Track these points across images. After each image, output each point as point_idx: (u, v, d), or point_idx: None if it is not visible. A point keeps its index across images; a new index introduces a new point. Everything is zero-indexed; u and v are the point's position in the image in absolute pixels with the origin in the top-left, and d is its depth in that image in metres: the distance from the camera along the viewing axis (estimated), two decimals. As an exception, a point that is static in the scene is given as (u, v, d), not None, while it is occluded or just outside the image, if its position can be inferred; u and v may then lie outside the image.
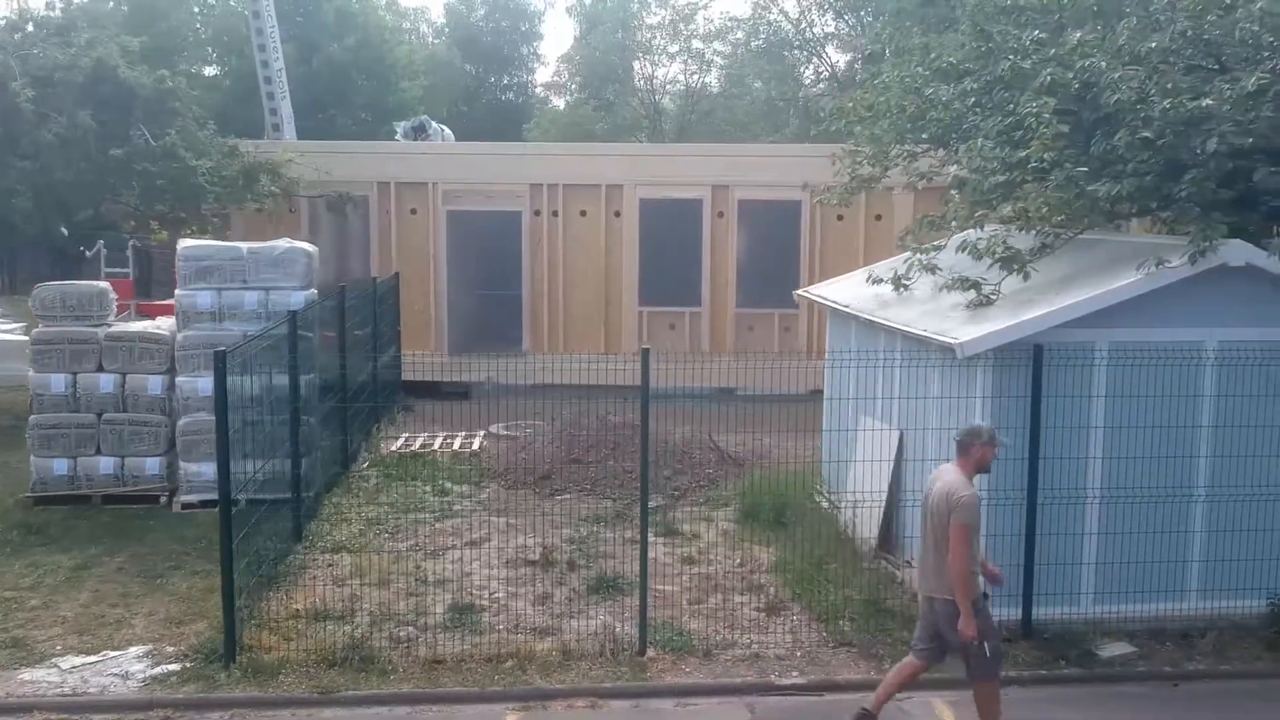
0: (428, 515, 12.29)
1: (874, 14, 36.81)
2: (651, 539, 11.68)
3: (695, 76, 47.67)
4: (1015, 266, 9.68)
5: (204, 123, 18.41)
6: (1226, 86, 9.20)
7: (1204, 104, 9.04)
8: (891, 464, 10.98)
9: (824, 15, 43.14)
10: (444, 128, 25.58)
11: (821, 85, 42.40)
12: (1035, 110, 9.63)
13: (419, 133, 24.03)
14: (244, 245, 12.74)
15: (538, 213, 20.10)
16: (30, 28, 18.02)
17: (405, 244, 20.17)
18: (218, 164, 17.41)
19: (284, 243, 12.67)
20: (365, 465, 14.48)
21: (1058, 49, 10.47)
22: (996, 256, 9.75)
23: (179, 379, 12.32)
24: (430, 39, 56.50)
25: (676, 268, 20.09)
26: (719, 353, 19.52)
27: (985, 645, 7.38)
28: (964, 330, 9.40)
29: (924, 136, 11.86)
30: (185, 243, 12.66)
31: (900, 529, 11.07)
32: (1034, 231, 10.09)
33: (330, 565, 10.72)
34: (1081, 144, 10.08)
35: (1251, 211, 10.43)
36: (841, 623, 9.61)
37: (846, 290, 12.65)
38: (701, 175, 19.94)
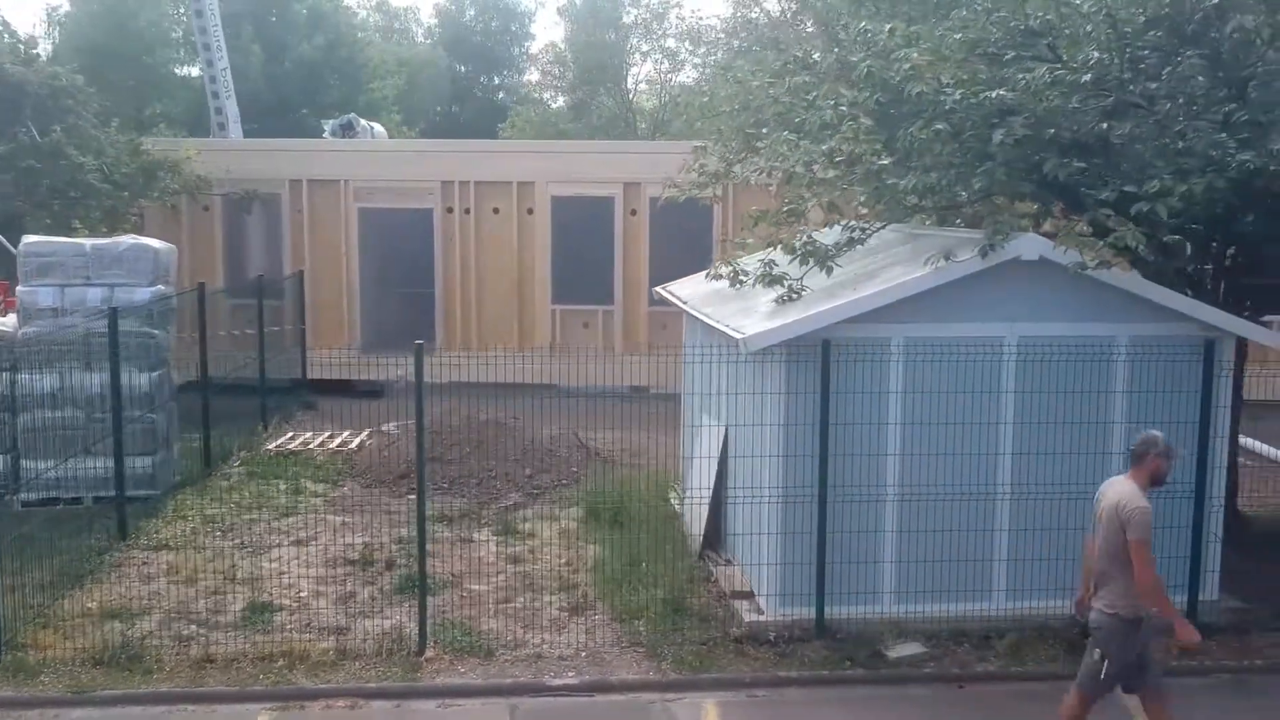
0: (268, 514, 12.20)
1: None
2: (485, 537, 11.69)
3: (670, 76, 47.49)
4: (814, 260, 9.53)
5: (106, 120, 18.37)
6: (1022, 77, 9.03)
7: (994, 95, 8.88)
8: (717, 460, 10.86)
9: (804, 16, 42.82)
10: (374, 125, 25.52)
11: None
12: (834, 104, 9.47)
13: (347, 130, 23.98)
14: (88, 242, 12.71)
15: (450, 210, 19.99)
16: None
17: (318, 241, 20.07)
18: (114, 162, 17.34)
19: (128, 239, 12.62)
20: (237, 464, 14.40)
21: (886, 40, 10.32)
22: (797, 252, 9.61)
23: (20, 376, 12.27)
24: (421, 39, 56.52)
25: (589, 265, 19.95)
26: (632, 351, 19.35)
27: (1107, 663, 7.03)
28: (755, 325, 9.26)
29: (764, 131, 11.68)
30: (28, 239, 12.62)
31: (726, 526, 10.95)
32: (840, 226, 9.95)
33: (145, 563, 10.65)
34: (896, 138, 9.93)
35: (1078, 202, 10.24)
36: (638, 623, 9.48)
37: (696, 287, 12.49)
38: (613, 173, 19.79)
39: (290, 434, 16.10)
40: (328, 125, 25.00)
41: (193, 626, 9.25)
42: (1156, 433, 7.35)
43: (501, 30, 54.70)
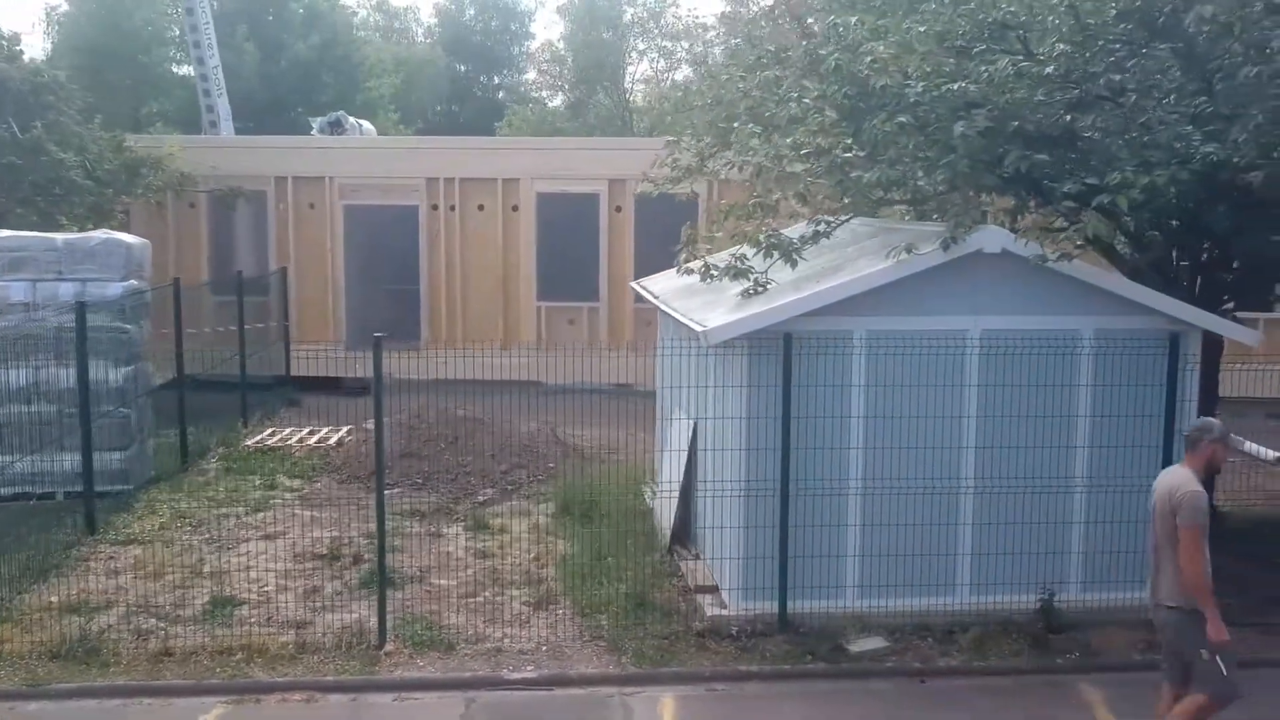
0: (240, 509, 12.18)
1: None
2: (456, 532, 11.65)
3: (666, 75, 47.41)
4: (777, 253, 9.49)
5: (89, 117, 18.38)
6: (985, 69, 8.99)
7: (957, 87, 8.83)
8: (686, 454, 10.82)
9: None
10: (363, 123, 25.53)
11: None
12: (797, 96, 9.43)
13: (335, 128, 23.99)
14: (60, 236, 12.70)
15: (435, 207, 19.98)
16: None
17: (303, 238, 20.09)
18: (97, 158, 17.34)
19: (101, 234, 12.61)
20: (214, 459, 14.38)
21: (854, 33, 10.27)
22: (761, 245, 9.57)
23: (-9, 371, 12.26)
24: (421, 38, 56.53)
25: (574, 262, 19.92)
26: (618, 348, 19.29)
27: (1220, 660, 6.74)
28: (718, 318, 9.22)
29: (734, 125, 11.63)
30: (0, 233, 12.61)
31: (695, 520, 10.91)
32: (807, 219, 9.92)
33: (112, 558, 10.63)
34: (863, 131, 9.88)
35: (1044, 195, 10.20)
36: (601, 617, 9.44)
37: (670, 282, 12.45)
38: (598, 169, 19.78)
39: (270, 430, 16.07)
40: (316, 122, 24.98)
41: (153, 620, 9.23)
42: (1212, 419, 7.28)
43: (501, 30, 54.66)
